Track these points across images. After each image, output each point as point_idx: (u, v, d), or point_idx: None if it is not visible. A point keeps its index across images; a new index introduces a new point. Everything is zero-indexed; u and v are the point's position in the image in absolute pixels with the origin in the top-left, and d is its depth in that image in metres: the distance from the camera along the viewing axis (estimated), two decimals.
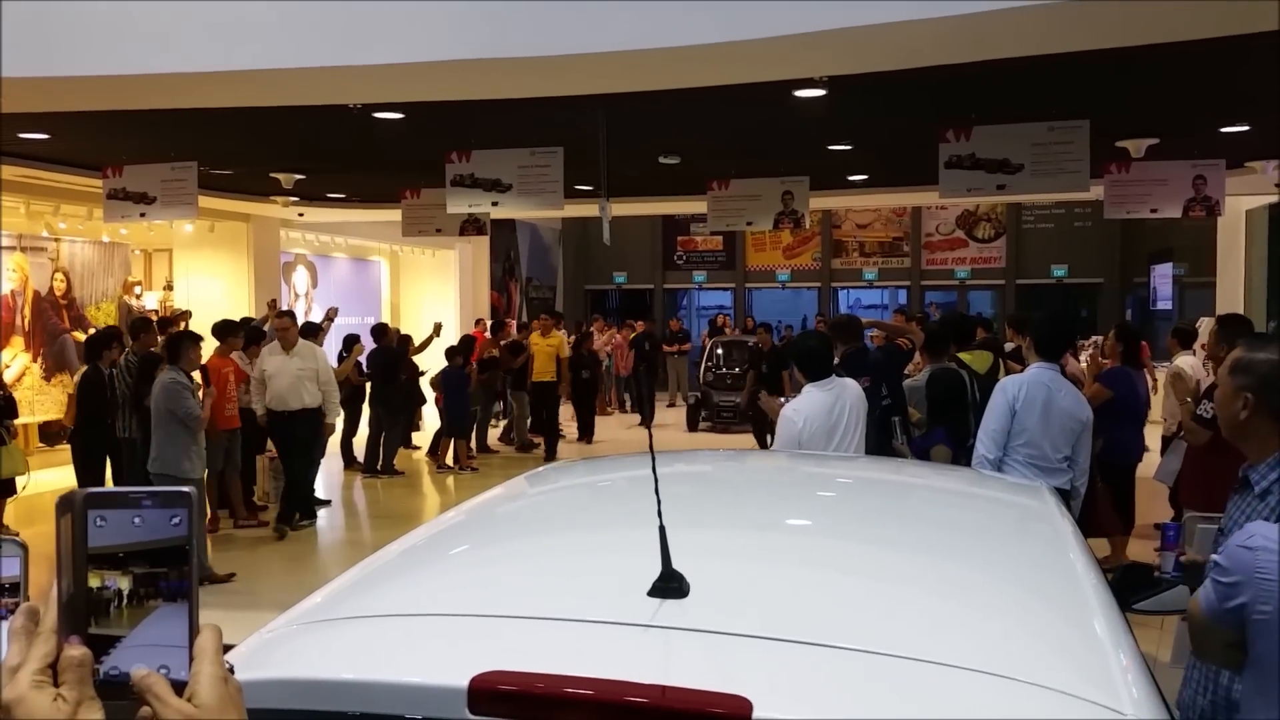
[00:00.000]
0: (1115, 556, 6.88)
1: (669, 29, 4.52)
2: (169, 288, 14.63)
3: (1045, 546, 2.19)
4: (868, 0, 4.27)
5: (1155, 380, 10.05)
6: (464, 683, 1.29)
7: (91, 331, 10.33)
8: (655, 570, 1.49)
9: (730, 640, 1.42)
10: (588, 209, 11.18)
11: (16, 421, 9.01)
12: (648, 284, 24.57)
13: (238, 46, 4.92)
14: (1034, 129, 8.06)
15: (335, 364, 11.02)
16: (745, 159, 10.45)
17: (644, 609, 1.45)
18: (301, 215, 14.40)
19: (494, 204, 9.34)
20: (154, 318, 12.12)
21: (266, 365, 8.72)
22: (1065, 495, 4.67)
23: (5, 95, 5.58)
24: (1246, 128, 8.87)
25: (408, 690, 1.37)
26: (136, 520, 0.81)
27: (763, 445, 11.67)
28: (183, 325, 12.21)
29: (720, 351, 15.71)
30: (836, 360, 6.68)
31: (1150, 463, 7.62)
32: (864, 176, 12.44)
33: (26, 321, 11.36)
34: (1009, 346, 8.40)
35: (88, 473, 8.15)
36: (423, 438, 13.30)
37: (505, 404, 14.18)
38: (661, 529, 1.49)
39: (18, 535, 6.95)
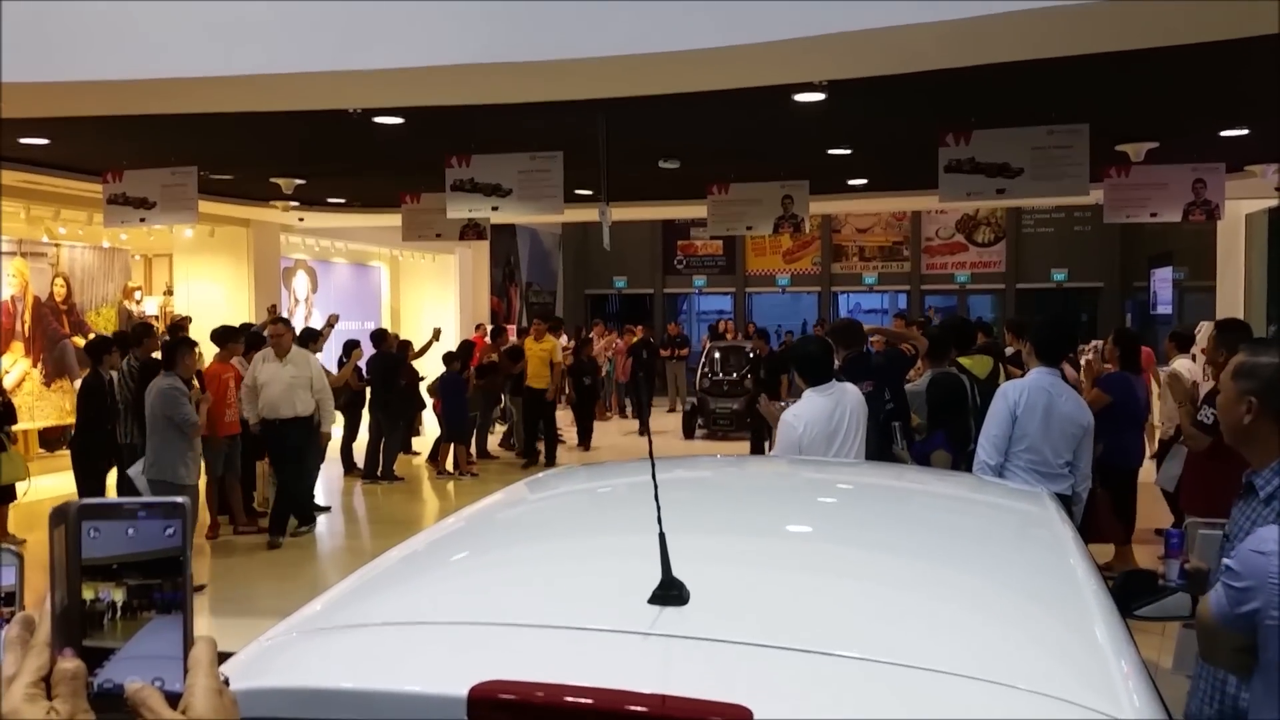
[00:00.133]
0: (1119, 562, 6.87)
1: (669, 33, 4.52)
2: (169, 293, 14.64)
3: (1046, 552, 2.18)
4: (867, 4, 4.27)
5: (1160, 385, 10.04)
6: (463, 691, 1.29)
7: (91, 336, 10.33)
8: (655, 577, 1.48)
9: (730, 648, 1.41)
10: (588, 213, 11.17)
11: (16, 427, 9.00)
12: (648, 288, 24.59)
13: (237, 51, 4.92)
14: (1034, 133, 8.06)
15: (335, 370, 11.03)
16: (745, 163, 10.46)
17: (644, 617, 1.45)
18: (302, 220, 14.41)
19: (494, 209, 9.34)
20: (156, 323, 12.14)
21: (259, 373, 8.59)
22: (1066, 501, 4.66)
23: (5, 100, 5.58)
24: (1246, 131, 8.87)
25: (407, 699, 1.36)
26: (130, 531, 0.80)
27: (760, 453, 11.66)
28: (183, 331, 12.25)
29: (717, 357, 15.59)
30: (838, 365, 6.69)
31: (1148, 467, 7.62)
32: (864, 180, 12.44)
33: (26, 327, 11.36)
34: (1009, 351, 8.40)
35: (88, 478, 8.14)
36: (423, 443, 13.29)
37: (506, 410, 14.15)
38: (661, 536, 1.48)
39: (24, 541, 6.94)
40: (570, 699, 1.28)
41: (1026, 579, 1.94)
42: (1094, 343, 13.38)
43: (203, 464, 8.81)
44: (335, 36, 4.83)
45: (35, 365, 11.43)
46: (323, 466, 10.55)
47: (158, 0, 4.89)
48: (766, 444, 11.85)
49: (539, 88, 5.46)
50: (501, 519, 2.43)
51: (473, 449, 12.71)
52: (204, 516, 9.09)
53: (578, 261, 24.67)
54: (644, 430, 10.83)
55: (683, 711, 1.24)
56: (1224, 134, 9.00)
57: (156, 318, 13.41)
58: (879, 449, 6.21)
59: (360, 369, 11.51)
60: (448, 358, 12.02)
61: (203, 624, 6.79)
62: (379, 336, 12.05)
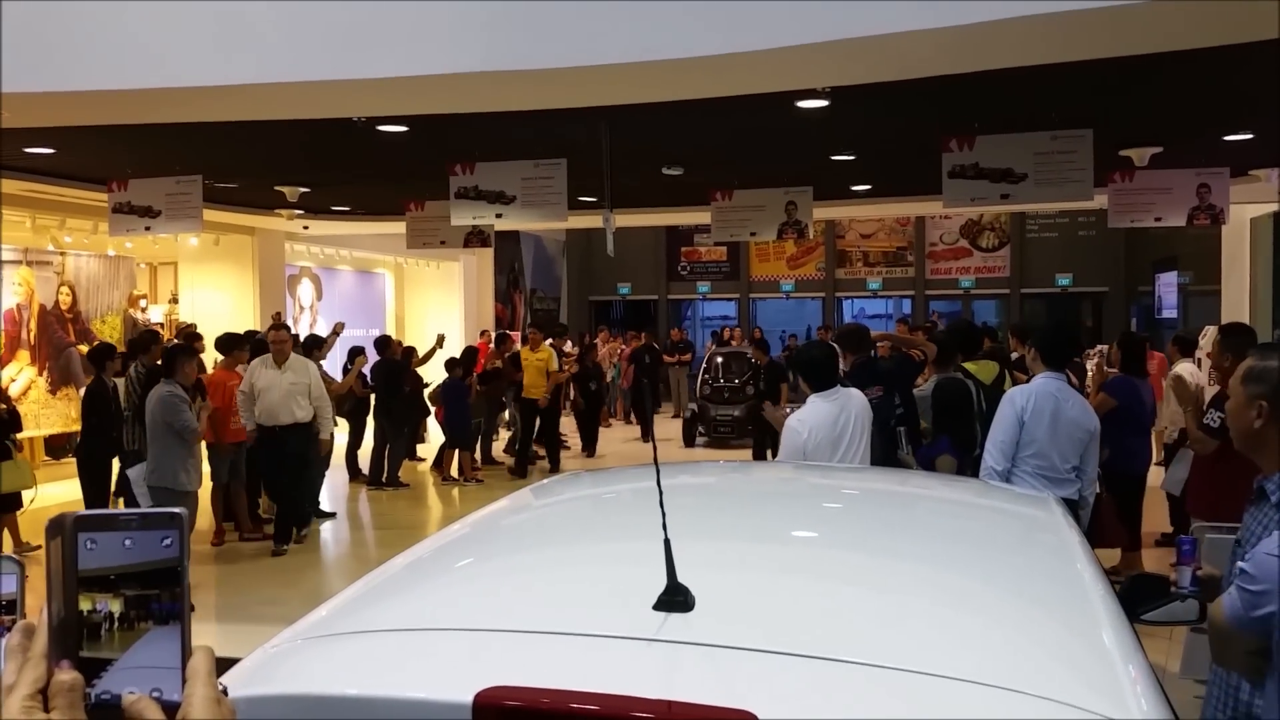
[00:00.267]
0: (1124, 567, 6.85)
1: (672, 40, 4.52)
2: (174, 301, 14.67)
3: (1052, 558, 2.17)
4: (870, 10, 4.27)
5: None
6: (468, 698, 1.28)
7: (96, 343, 10.35)
8: (660, 583, 1.48)
9: (736, 654, 1.41)
10: (591, 220, 11.19)
11: (21, 435, 9.02)
12: (652, 295, 24.61)
13: (242, 60, 4.93)
14: (1037, 138, 8.06)
15: (340, 377, 11.05)
16: (748, 169, 10.46)
17: (649, 623, 1.45)
18: (306, 228, 14.44)
19: (498, 216, 9.35)
20: (161, 331, 12.16)
21: (257, 379, 8.52)
22: (1073, 506, 4.64)
23: (11, 110, 5.60)
24: (1250, 136, 8.87)
25: (412, 705, 1.36)
26: (127, 542, 0.80)
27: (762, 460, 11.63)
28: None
29: (719, 363, 15.39)
30: (845, 370, 6.68)
31: (1155, 471, 7.60)
32: (867, 186, 12.44)
33: (32, 335, 11.39)
34: (1014, 356, 8.38)
35: (93, 485, 8.16)
36: (428, 450, 13.30)
37: (512, 416, 14.11)
38: (666, 542, 1.48)
39: (39, 548, 6.95)
40: (575, 705, 1.28)
41: (1033, 584, 1.94)
42: (1099, 347, 13.37)
43: (207, 470, 8.84)
44: (339, 45, 4.85)
45: (41, 373, 11.46)
46: (328, 473, 10.58)
47: (162, 9, 4.91)
48: (769, 452, 11.83)
49: (543, 95, 5.47)
50: (506, 525, 2.42)
51: (477, 455, 12.71)
52: (210, 523, 9.10)
53: (582, 268, 24.69)
54: (646, 436, 10.87)
55: (688, 717, 1.24)
56: (1228, 138, 9.00)
57: (161, 326, 13.44)
58: (884, 454, 6.20)
59: (365, 376, 11.52)
60: (449, 364, 12.03)
61: (208, 630, 6.79)
62: (383, 343, 12.06)
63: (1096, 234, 20.88)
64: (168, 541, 0.81)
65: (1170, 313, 18.65)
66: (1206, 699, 2.50)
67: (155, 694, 0.79)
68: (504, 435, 14.46)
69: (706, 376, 15.14)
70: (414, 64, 4.83)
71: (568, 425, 14.99)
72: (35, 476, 8.37)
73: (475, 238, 11.76)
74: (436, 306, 18.70)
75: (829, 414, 4.80)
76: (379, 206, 13.39)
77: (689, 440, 14.72)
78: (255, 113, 6.05)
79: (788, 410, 5.42)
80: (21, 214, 11.03)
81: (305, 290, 16.86)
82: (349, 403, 11.56)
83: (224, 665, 1.57)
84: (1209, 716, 2.48)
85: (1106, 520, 5.80)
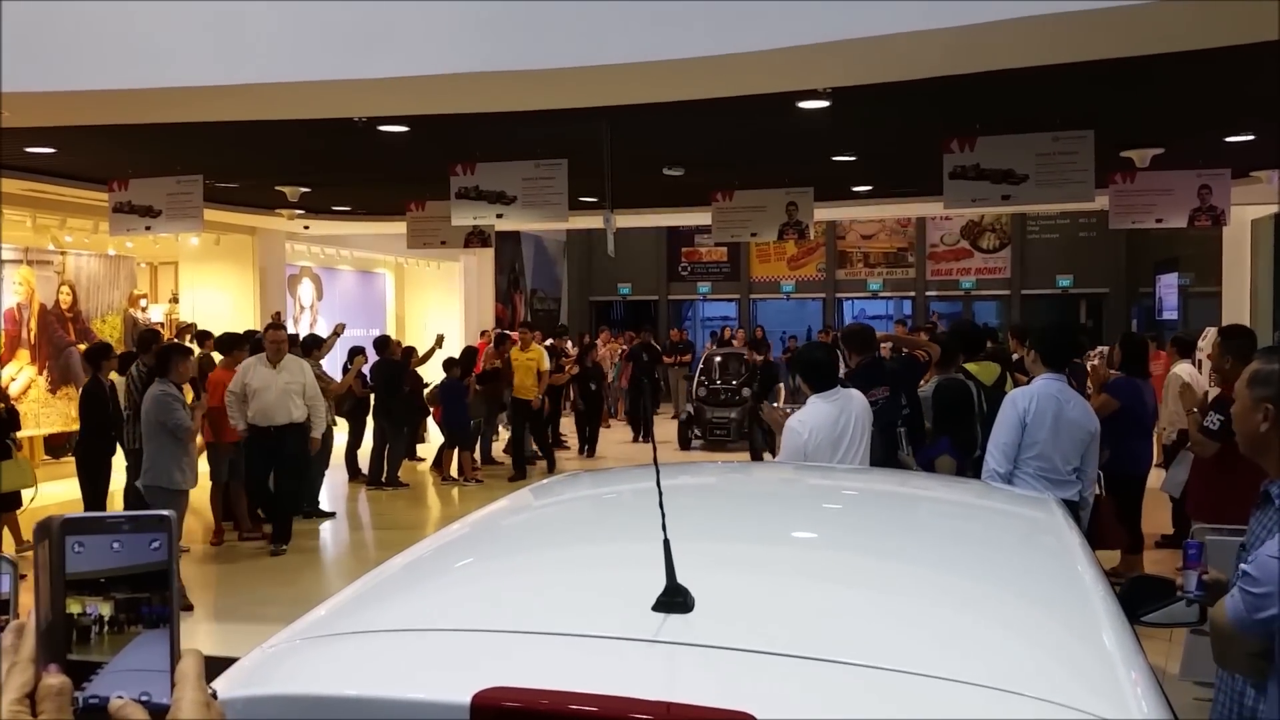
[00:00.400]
0: (1124, 568, 6.85)
1: (673, 41, 4.52)
2: (174, 300, 14.67)
3: (1053, 559, 2.17)
4: (871, 11, 4.27)
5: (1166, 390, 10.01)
6: (467, 699, 1.28)
7: (92, 343, 10.34)
8: (660, 584, 1.48)
9: (735, 655, 1.41)
10: (592, 220, 11.20)
11: (21, 434, 9.02)
12: (652, 295, 24.61)
13: (242, 60, 4.93)
14: (1038, 139, 8.05)
15: (339, 377, 11.04)
16: (749, 170, 10.46)
17: (648, 624, 1.44)
18: (307, 228, 14.44)
19: (498, 216, 9.35)
20: (162, 330, 12.16)
21: (251, 379, 8.44)
22: (1074, 507, 4.63)
23: (12, 109, 5.60)
24: (1251, 137, 8.86)
25: (410, 706, 1.36)
26: (115, 545, 0.80)
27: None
28: (187, 338, 12.28)
29: (716, 364, 15.08)
30: (851, 369, 6.67)
31: (1156, 473, 7.60)
32: (868, 187, 12.44)
33: (32, 334, 11.39)
34: (1015, 357, 8.37)
35: (92, 484, 8.15)
36: (428, 450, 13.30)
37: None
38: (666, 543, 1.47)
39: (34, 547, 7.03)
40: (574, 706, 1.28)
41: (1033, 585, 1.93)
42: (1100, 348, 13.37)
43: (207, 470, 8.84)
44: (340, 46, 4.85)
45: (41, 373, 11.46)
46: (327, 473, 10.57)
47: (164, 10, 4.91)
48: (765, 456, 11.80)
49: (543, 96, 5.47)
50: (506, 525, 2.42)
51: (477, 455, 12.70)
52: (209, 522, 9.10)
53: (582, 268, 24.70)
54: (640, 437, 10.77)
55: (687, 718, 1.23)
56: (1229, 140, 8.99)
57: (162, 325, 13.43)
58: (884, 455, 6.20)
59: (364, 376, 11.52)
60: (447, 364, 12.03)
61: (206, 629, 6.80)
62: (382, 343, 12.06)
63: (1097, 235, 20.88)
64: (156, 544, 0.81)
65: (1171, 314, 18.65)
66: (1214, 704, 2.49)
67: (144, 697, 0.78)
68: (504, 435, 14.44)
69: (703, 378, 14.83)
70: (415, 64, 4.83)
71: (567, 425, 14.98)
72: (35, 476, 8.37)
73: (476, 238, 11.76)
74: (437, 307, 18.70)
75: (829, 415, 4.80)
76: (379, 206, 13.39)
77: (684, 443, 14.43)
78: (256, 113, 6.05)
79: (787, 410, 5.40)
80: (22, 213, 11.04)
81: (306, 290, 16.87)
82: (348, 403, 11.56)
83: (222, 665, 1.57)
84: (1216, 718, 2.47)
85: (1106, 522, 5.80)
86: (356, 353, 11.10)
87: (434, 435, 13.13)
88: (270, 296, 14.43)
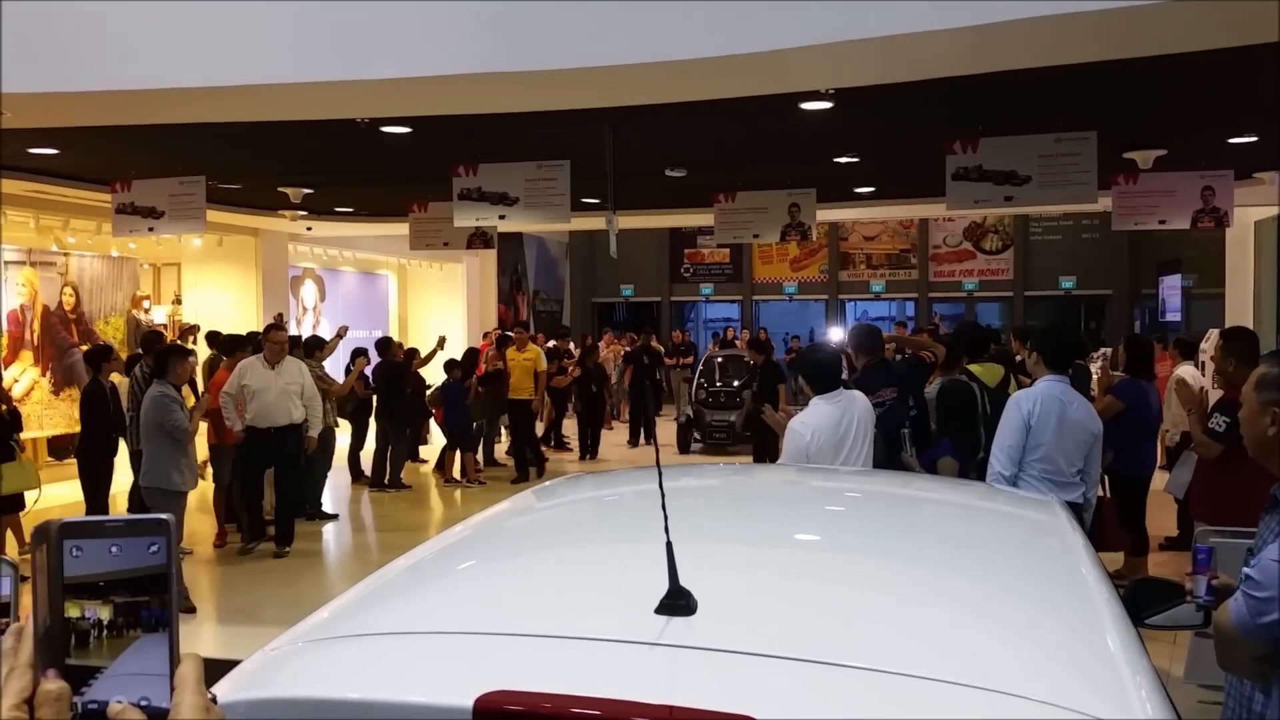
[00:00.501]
0: (1128, 570, 6.84)
1: (675, 42, 4.52)
2: (178, 302, 14.68)
3: (1056, 561, 2.17)
4: (873, 12, 4.26)
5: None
6: (469, 702, 1.28)
7: (91, 345, 10.35)
8: (662, 587, 1.48)
9: (738, 658, 1.40)
10: (595, 222, 11.20)
11: (24, 436, 9.02)
12: (655, 297, 24.61)
13: (245, 61, 4.94)
14: (1041, 140, 8.05)
15: (342, 378, 11.04)
16: (752, 171, 10.46)
17: (651, 626, 1.44)
18: (309, 229, 14.45)
19: (501, 217, 9.35)
20: (165, 331, 12.16)
21: (250, 380, 8.40)
22: (1078, 509, 4.62)
23: (15, 110, 5.61)
24: (1255, 139, 8.85)
25: (412, 709, 1.35)
26: (114, 549, 0.79)
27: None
28: (191, 340, 12.28)
29: (716, 365, 14.88)
30: (859, 371, 6.66)
31: (1159, 475, 7.59)
32: (871, 188, 12.43)
33: (35, 336, 11.40)
34: (1018, 359, 8.36)
35: (93, 485, 8.16)
36: (430, 451, 13.29)
37: None
38: (668, 545, 1.47)
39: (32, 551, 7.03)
40: (577, 709, 1.27)
41: (1037, 588, 1.93)
42: (1103, 350, 13.35)
43: (210, 471, 8.84)
44: (343, 47, 4.85)
45: (44, 374, 11.47)
46: (330, 474, 10.58)
47: (166, 11, 4.91)
48: (768, 459, 11.71)
49: (546, 97, 5.47)
50: (508, 528, 2.42)
51: (479, 457, 12.70)
52: (212, 524, 9.10)
53: (585, 270, 24.70)
54: (638, 439, 10.69)
55: None
56: (1232, 141, 8.98)
57: (165, 326, 13.45)
58: (887, 456, 6.18)
59: (367, 377, 11.52)
60: (448, 365, 12.03)
61: (209, 631, 6.80)
62: (384, 345, 12.07)
63: (1100, 237, 20.86)
64: (155, 548, 0.80)
65: (1174, 316, 18.64)
66: (1223, 708, 2.49)
67: (143, 702, 0.78)
68: (506, 437, 14.43)
69: (702, 380, 14.63)
70: (417, 65, 4.83)
71: (569, 427, 14.95)
72: (39, 477, 8.37)
73: (478, 239, 11.76)
74: (439, 308, 18.70)
75: (832, 416, 4.80)
76: (382, 208, 13.40)
77: (684, 446, 14.22)
78: (258, 113, 6.05)
79: (791, 411, 5.39)
80: (25, 214, 11.05)
81: (308, 291, 16.88)
82: (351, 404, 11.56)
83: (225, 667, 1.56)
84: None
85: (1108, 523, 5.78)
86: (358, 354, 11.10)
87: (437, 437, 13.12)
88: (273, 298, 14.44)
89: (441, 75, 4.84)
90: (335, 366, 11.99)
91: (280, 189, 11.45)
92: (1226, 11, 4.10)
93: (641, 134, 8.25)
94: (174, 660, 0.80)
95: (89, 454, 8.20)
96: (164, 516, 0.81)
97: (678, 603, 1.46)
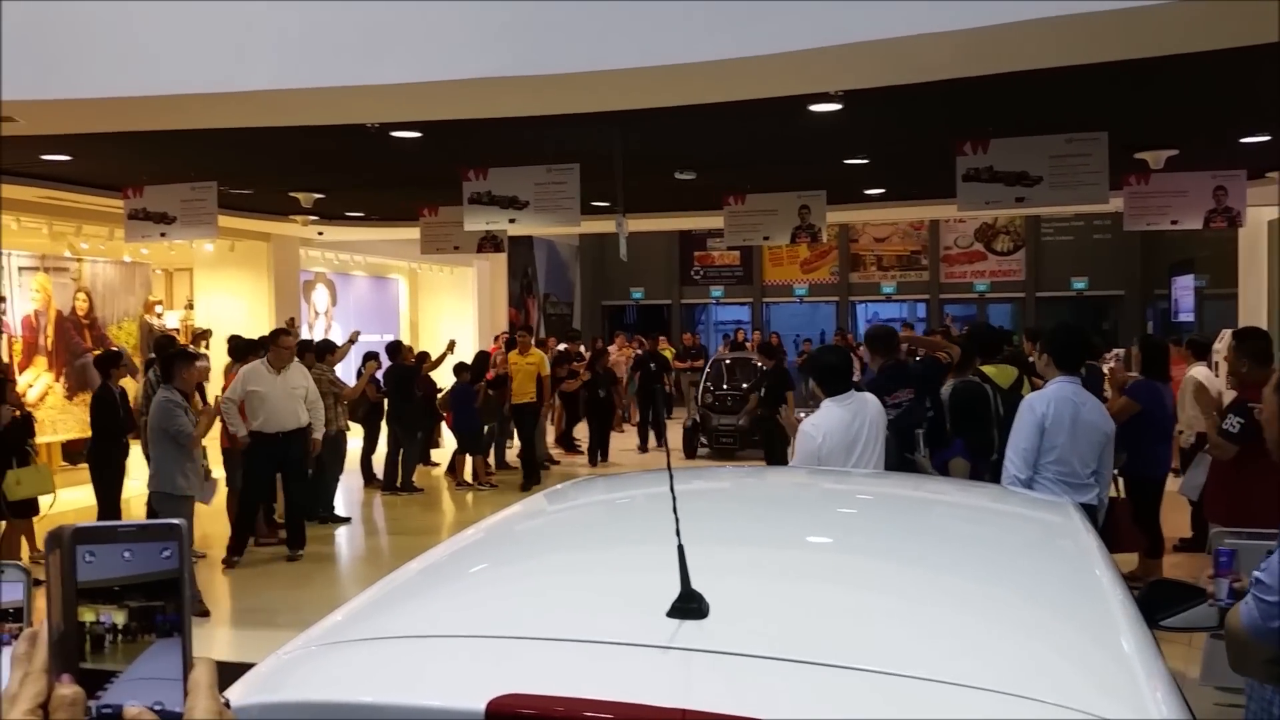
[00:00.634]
0: (1142, 571, 6.80)
1: (684, 45, 4.52)
2: (190, 307, 14.74)
3: (1070, 564, 2.15)
4: (883, 14, 4.25)
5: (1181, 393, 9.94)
6: (481, 706, 1.28)
7: (100, 350, 10.39)
8: (674, 590, 1.47)
9: (751, 662, 1.40)
10: (604, 225, 11.20)
11: (39, 440, 9.07)
12: (665, 299, 24.60)
13: (256, 67, 4.95)
14: (1052, 141, 8.02)
15: (354, 382, 11.07)
16: (761, 173, 10.45)
17: (663, 630, 1.44)
18: (321, 234, 14.49)
19: (511, 221, 9.37)
20: (177, 336, 12.22)
21: (256, 385, 8.39)
22: (1092, 511, 4.59)
23: (28, 117, 5.64)
24: (1267, 138, 8.81)
25: (424, 713, 1.35)
26: (126, 555, 0.80)
27: None
28: (203, 345, 12.33)
29: (724, 368, 14.67)
30: (876, 372, 6.65)
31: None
32: (881, 190, 12.41)
33: (49, 341, 11.46)
34: (1030, 360, 8.33)
35: (105, 489, 8.19)
36: (442, 455, 13.31)
37: None
38: (680, 548, 1.47)
39: (45, 556, 7.02)
40: (589, 713, 1.27)
41: (1051, 591, 1.92)
42: (1116, 351, 13.29)
43: (222, 476, 8.86)
44: (353, 52, 4.86)
45: (58, 379, 11.53)
46: (342, 478, 10.60)
47: (178, 16, 4.93)
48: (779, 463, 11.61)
49: (555, 101, 5.48)
50: (520, 531, 2.42)
51: (491, 460, 12.70)
52: (225, 529, 9.12)
53: (595, 273, 24.72)
54: (647, 444, 10.62)
55: None
56: (1244, 140, 8.94)
57: (177, 331, 13.50)
58: (899, 458, 6.17)
59: (378, 380, 11.55)
60: (458, 369, 12.04)
61: (223, 635, 6.82)
62: (394, 349, 12.09)
63: (1112, 237, 20.77)
64: (167, 553, 0.81)
65: (1186, 316, 18.55)
66: (1246, 710, 2.47)
67: (157, 706, 0.78)
68: (519, 440, 14.43)
69: (709, 384, 14.39)
70: (427, 70, 4.83)
71: (580, 431, 14.94)
72: (54, 482, 8.41)
73: (488, 243, 11.78)
74: (450, 312, 18.74)
75: (843, 419, 4.79)
76: (393, 212, 13.43)
77: (690, 451, 14.02)
78: (269, 119, 6.07)
79: (801, 415, 5.39)
80: (39, 220, 11.11)
81: (320, 296, 16.93)
82: (363, 408, 11.59)
83: (238, 670, 1.57)
84: None
85: (1123, 525, 5.76)
86: (370, 358, 11.13)
87: (449, 440, 13.14)
88: (285, 302, 14.49)
89: (451, 80, 4.85)
90: (347, 370, 12.02)
91: (292, 194, 11.49)
92: (1237, 11, 4.07)
93: (651, 137, 8.26)
94: (187, 665, 0.80)
95: (99, 458, 8.24)
96: (176, 521, 0.82)
97: (690, 606, 1.46)
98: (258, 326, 13.11)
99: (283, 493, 9.03)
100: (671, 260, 24.17)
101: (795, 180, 10.65)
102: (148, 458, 8.23)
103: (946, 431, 6.67)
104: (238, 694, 1.47)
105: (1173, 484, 7.41)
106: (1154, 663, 1.56)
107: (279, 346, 8.64)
